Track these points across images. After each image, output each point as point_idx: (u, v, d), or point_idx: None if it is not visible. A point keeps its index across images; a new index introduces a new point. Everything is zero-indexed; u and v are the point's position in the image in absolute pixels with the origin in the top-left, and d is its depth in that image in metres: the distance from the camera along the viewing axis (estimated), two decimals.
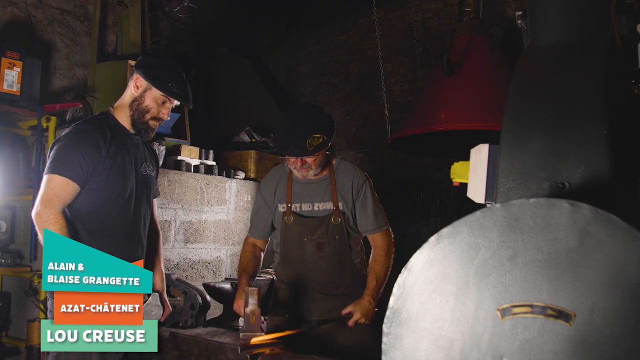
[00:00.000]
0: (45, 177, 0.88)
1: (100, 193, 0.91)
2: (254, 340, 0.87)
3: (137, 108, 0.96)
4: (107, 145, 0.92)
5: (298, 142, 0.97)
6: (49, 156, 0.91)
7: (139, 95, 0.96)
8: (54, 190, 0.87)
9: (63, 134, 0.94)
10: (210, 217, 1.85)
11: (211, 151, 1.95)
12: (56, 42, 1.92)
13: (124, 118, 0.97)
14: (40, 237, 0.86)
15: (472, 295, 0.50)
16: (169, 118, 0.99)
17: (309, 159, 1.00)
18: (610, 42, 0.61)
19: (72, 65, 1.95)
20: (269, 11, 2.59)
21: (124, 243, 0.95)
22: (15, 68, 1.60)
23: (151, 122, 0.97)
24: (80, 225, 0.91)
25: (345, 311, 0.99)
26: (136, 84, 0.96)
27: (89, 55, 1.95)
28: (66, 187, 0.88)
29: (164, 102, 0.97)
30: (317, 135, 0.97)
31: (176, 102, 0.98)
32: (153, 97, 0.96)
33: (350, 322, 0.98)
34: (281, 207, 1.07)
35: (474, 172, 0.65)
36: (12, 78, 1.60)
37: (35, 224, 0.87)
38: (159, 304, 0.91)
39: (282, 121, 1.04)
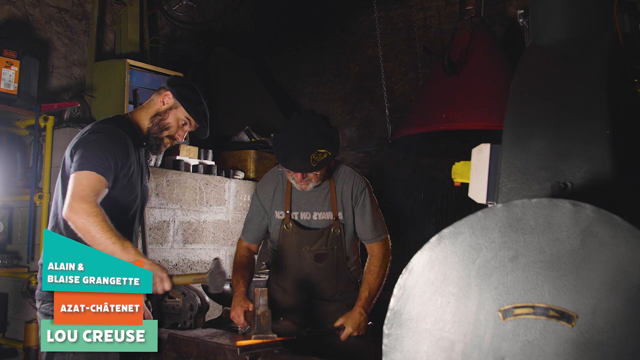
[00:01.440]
0: (74, 175, 0.84)
1: (115, 198, 0.89)
2: (253, 341, 0.86)
3: (158, 122, 0.96)
4: (132, 152, 0.92)
5: (301, 157, 0.92)
6: (73, 154, 0.87)
7: (163, 110, 0.96)
8: (89, 186, 0.83)
9: (88, 131, 0.90)
10: (209, 218, 1.84)
11: (210, 151, 1.94)
12: (54, 41, 1.91)
13: (141, 128, 0.97)
14: (80, 235, 0.81)
15: (473, 296, 0.49)
16: (182, 141, 1.00)
17: (311, 174, 0.96)
18: (613, 41, 0.61)
19: (70, 64, 1.94)
20: (269, 10, 2.57)
21: None
22: (12, 67, 1.59)
23: (166, 140, 0.98)
24: None
25: (337, 324, 0.97)
26: (163, 100, 0.97)
27: (87, 54, 1.94)
28: (99, 183, 0.85)
29: (184, 124, 0.97)
30: (322, 151, 0.92)
31: (191, 129, 0.98)
32: (176, 116, 0.97)
33: (343, 337, 0.97)
34: (278, 214, 1.04)
35: (475, 172, 0.64)
36: (9, 77, 1.59)
37: (71, 222, 0.81)
38: (223, 270, 0.86)
39: (285, 128, 0.98)
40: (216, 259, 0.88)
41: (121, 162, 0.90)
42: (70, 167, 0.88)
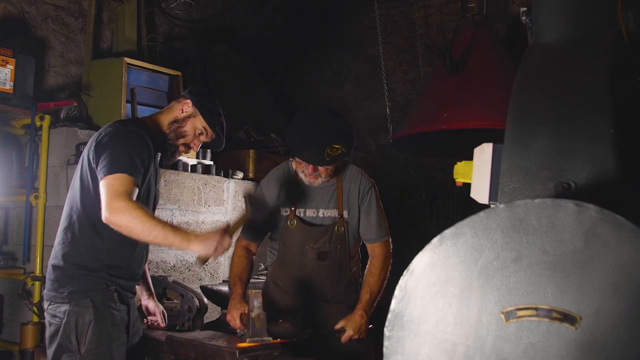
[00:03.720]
0: (104, 180, 0.83)
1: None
2: (253, 344, 0.85)
3: (175, 129, 0.96)
4: (153, 154, 0.93)
5: (316, 150, 0.93)
6: (94, 156, 0.86)
7: (181, 118, 0.96)
8: (122, 185, 0.83)
9: (110, 133, 0.89)
10: (207, 218, 1.82)
11: (209, 150, 1.92)
12: (50, 39, 1.89)
13: (158, 133, 0.96)
14: (126, 233, 0.81)
15: (475, 297, 0.49)
16: (196, 150, 1.01)
17: (322, 167, 0.97)
18: (617, 39, 0.60)
19: (67, 62, 1.92)
20: (268, 7, 2.56)
21: (138, 252, 0.94)
22: (8, 65, 1.58)
23: (181, 148, 0.98)
24: (101, 231, 0.88)
25: (337, 326, 0.97)
26: (183, 108, 0.97)
27: (83, 52, 1.92)
28: (130, 183, 0.84)
29: (200, 134, 0.97)
30: (337, 146, 0.93)
31: (207, 140, 0.98)
32: (194, 125, 0.96)
33: (343, 339, 0.96)
34: (284, 211, 1.04)
35: (477, 172, 0.64)
36: (5, 76, 1.58)
37: (113, 224, 0.81)
38: (255, 196, 0.89)
39: (301, 119, 0.98)
40: (246, 194, 0.90)
41: (146, 164, 0.90)
42: (94, 169, 0.87)
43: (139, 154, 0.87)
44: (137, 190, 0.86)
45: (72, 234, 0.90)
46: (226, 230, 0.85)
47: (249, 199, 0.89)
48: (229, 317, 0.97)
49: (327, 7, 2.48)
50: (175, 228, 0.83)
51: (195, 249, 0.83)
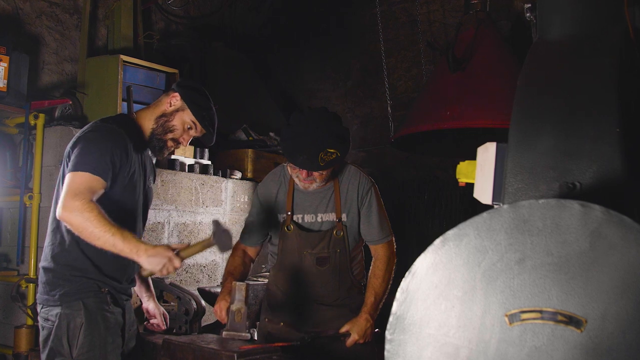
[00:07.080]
0: (69, 175, 0.82)
1: (117, 199, 0.87)
2: (252, 346, 0.84)
3: (162, 124, 0.93)
4: (132, 151, 0.90)
5: (310, 154, 0.90)
6: (70, 154, 0.85)
7: (169, 112, 0.94)
8: (83, 184, 0.81)
9: (86, 130, 0.88)
10: (205, 219, 1.80)
11: (206, 150, 1.90)
12: (45, 36, 1.86)
13: (145, 128, 0.94)
14: (77, 234, 0.80)
15: (478, 300, 0.48)
16: (186, 145, 0.98)
17: (316, 172, 0.94)
18: (623, 36, 0.59)
19: (61, 60, 1.89)
20: (267, 4, 2.54)
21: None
22: (1, 63, 1.55)
23: (169, 143, 0.95)
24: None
25: (342, 330, 0.95)
26: (171, 101, 0.94)
27: (78, 49, 1.89)
28: (95, 182, 0.83)
29: (189, 128, 0.95)
30: (332, 151, 0.90)
31: (197, 134, 0.96)
32: (182, 119, 0.94)
33: (348, 343, 0.95)
34: (281, 216, 1.02)
35: (480, 172, 0.63)
36: None
37: (66, 221, 0.80)
38: (226, 228, 0.85)
39: (295, 122, 0.96)
40: (215, 220, 0.87)
41: (120, 161, 0.87)
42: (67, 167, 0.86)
43: (110, 151, 0.85)
44: (101, 190, 0.83)
45: (60, 234, 0.89)
46: (179, 253, 0.83)
47: (216, 225, 0.85)
48: (215, 308, 0.95)
49: (327, 3, 2.44)
50: (126, 236, 0.80)
51: (143, 262, 0.81)
